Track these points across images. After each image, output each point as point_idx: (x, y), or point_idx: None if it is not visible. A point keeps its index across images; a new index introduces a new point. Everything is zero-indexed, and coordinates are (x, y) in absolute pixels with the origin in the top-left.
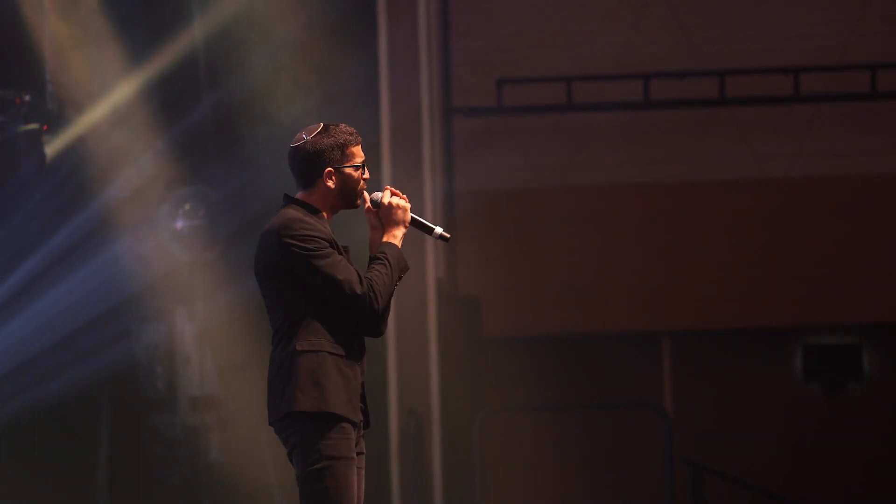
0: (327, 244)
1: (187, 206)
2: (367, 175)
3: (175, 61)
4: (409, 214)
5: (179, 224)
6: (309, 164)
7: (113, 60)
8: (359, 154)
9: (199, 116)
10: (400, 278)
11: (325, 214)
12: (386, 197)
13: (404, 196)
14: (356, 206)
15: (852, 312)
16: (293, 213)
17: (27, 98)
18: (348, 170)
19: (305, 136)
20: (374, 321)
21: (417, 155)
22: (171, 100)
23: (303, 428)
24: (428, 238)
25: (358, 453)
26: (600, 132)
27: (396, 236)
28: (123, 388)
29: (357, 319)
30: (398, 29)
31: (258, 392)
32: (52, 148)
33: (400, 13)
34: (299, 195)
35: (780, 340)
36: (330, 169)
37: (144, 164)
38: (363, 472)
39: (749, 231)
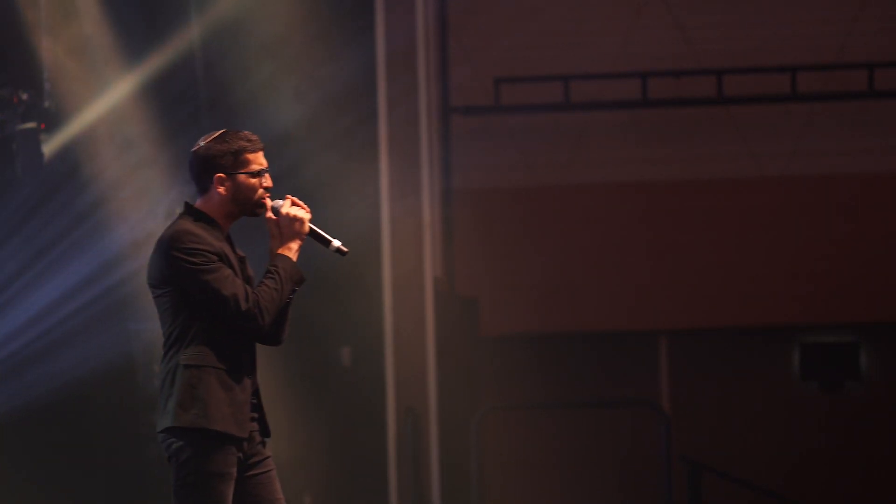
0: (216, 258)
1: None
2: (268, 183)
3: (173, 60)
4: (307, 226)
5: None
6: (201, 169)
7: (111, 59)
8: (256, 161)
9: (196, 115)
10: (294, 290)
11: (220, 223)
12: (285, 207)
13: (306, 207)
14: (256, 214)
15: (850, 311)
16: (185, 224)
17: (25, 96)
18: (242, 177)
19: (201, 143)
20: (259, 336)
21: (415, 154)
22: (168, 98)
23: (181, 442)
24: (426, 237)
25: (264, 458)
26: (598, 131)
27: (292, 248)
28: (120, 387)
29: (244, 334)
30: (396, 28)
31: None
32: (49, 147)
33: (397, 12)
34: (197, 203)
35: (777, 339)
36: (221, 175)
37: (142, 162)
38: (274, 474)
39: (747, 230)
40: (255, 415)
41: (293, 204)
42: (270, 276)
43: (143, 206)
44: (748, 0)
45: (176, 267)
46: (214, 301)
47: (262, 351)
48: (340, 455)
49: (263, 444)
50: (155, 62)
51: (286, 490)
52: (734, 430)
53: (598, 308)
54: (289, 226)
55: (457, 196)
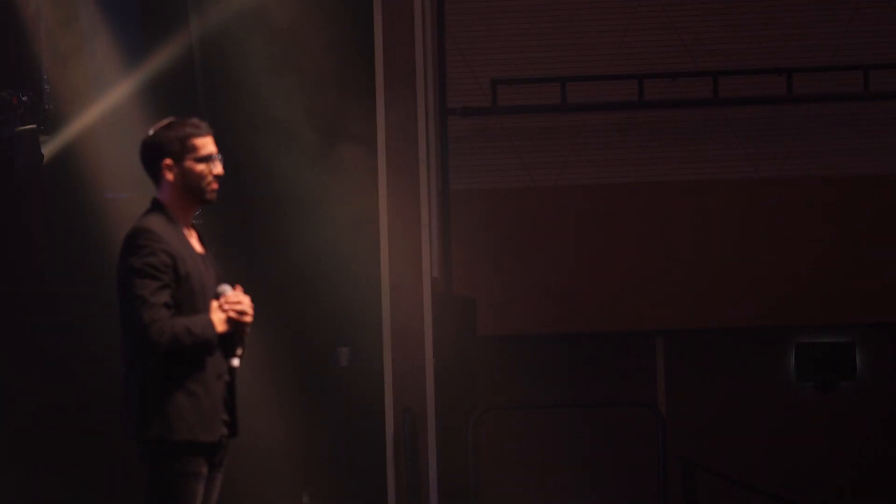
0: (161, 266)
1: None
2: (218, 170)
3: (172, 61)
4: (225, 328)
5: None
6: (150, 158)
7: (110, 61)
8: (204, 147)
9: (194, 116)
10: (195, 344)
11: (178, 217)
12: (229, 295)
13: (246, 315)
14: (209, 201)
15: (845, 312)
16: (146, 222)
17: (24, 98)
18: (189, 162)
19: (150, 132)
20: (148, 345)
21: (413, 155)
22: (167, 99)
23: (149, 450)
24: (423, 237)
25: (219, 468)
26: (595, 132)
27: (221, 325)
28: (120, 386)
29: (139, 338)
30: (393, 29)
31: (255, 390)
32: (48, 149)
33: (395, 14)
34: (158, 197)
35: (773, 339)
36: (168, 161)
37: (140, 163)
38: (218, 483)
39: (742, 231)
40: (227, 417)
41: (237, 302)
42: (199, 324)
43: (142, 208)
44: (744, 2)
45: (124, 266)
46: (133, 302)
47: (259, 351)
48: (338, 454)
49: (226, 450)
50: (154, 64)
51: (285, 488)
52: (730, 431)
53: (595, 308)
54: (218, 312)
55: (454, 197)
